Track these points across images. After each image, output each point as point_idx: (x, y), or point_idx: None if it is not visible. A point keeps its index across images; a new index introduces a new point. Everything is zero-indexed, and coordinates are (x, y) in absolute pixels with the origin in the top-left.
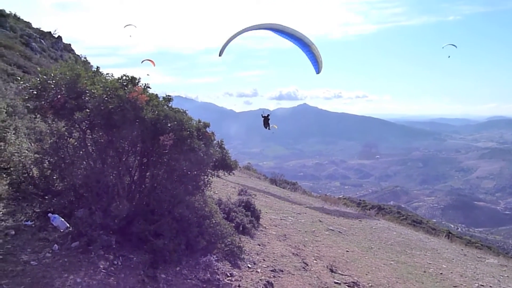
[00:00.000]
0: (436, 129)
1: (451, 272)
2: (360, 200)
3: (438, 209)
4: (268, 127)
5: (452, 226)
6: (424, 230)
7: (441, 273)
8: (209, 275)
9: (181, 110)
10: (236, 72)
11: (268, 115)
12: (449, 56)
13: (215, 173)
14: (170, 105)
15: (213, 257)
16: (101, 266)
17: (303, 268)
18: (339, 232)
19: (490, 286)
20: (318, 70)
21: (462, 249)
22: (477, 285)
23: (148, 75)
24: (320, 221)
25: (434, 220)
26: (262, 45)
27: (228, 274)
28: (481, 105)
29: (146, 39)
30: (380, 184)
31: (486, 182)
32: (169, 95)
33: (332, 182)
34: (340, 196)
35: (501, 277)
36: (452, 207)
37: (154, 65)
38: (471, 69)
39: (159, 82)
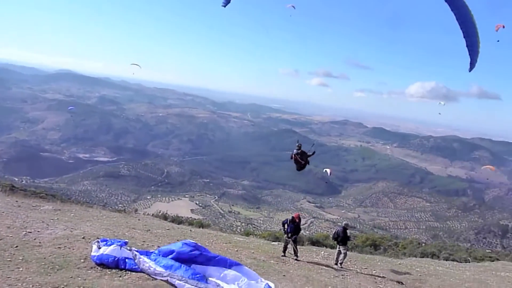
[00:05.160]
0: (2, 75)
1: None
2: None
3: (1, 163)
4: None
5: (16, 179)
6: None
7: None
8: None
9: None
10: None
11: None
12: None
13: None
14: None
15: None
16: None
17: None
18: None
19: (38, 231)
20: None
21: (17, 201)
22: (25, 232)
23: None
24: None
25: None
26: None
27: None
28: (51, 57)
29: None
30: None
31: (52, 133)
32: None
33: None
34: None
35: (51, 220)
36: (16, 159)
37: None
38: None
39: None
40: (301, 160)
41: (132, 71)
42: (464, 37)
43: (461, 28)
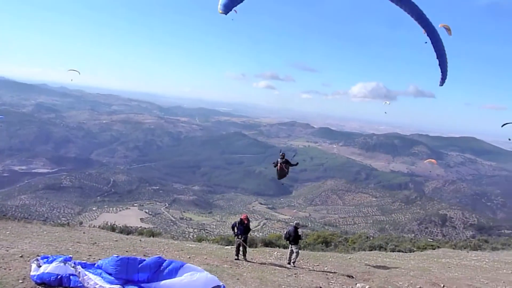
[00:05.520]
0: None
1: None
2: None
3: None
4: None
5: None
6: None
7: None
8: None
9: None
10: None
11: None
12: None
13: None
14: None
15: None
16: None
17: None
18: None
19: None
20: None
21: None
22: None
23: None
24: None
25: None
26: None
27: None
28: None
29: None
30: None
31: None
32: None
33: None
34: None
35: None
36: None
37: None
38: None
39: None
40: (285, 168)
41: (70, 78)
42: (437, 57)
43: (435, 51)
